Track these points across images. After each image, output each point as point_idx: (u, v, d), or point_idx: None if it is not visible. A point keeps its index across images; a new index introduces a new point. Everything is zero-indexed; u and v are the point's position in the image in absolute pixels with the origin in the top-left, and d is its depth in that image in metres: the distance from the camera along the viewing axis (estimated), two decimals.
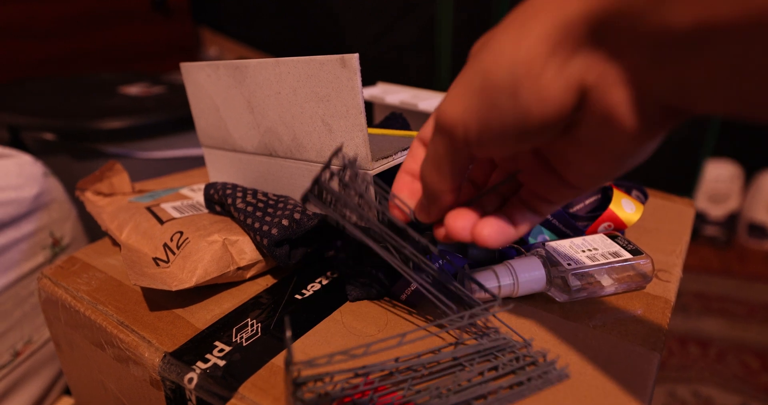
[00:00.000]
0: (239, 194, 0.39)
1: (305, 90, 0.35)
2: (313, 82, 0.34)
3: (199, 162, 0.90)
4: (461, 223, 0.26)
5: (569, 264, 0.34)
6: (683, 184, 1.58)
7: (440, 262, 0.33)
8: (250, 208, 0.37)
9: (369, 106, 0.58)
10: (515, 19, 0.20)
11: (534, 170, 0.26)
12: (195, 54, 1.84)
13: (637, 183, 0.48)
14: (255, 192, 0.40)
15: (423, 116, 0.56)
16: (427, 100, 0.54)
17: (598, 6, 0.17)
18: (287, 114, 0.37)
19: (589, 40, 0.18)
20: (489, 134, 0.21)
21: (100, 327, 0.35)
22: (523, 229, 0.27)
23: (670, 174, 1.50)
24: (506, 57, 0.19)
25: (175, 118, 0.89)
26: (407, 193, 0.29)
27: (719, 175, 1.60)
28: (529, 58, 0.19)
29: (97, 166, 0.52)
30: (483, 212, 0.27)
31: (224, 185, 0.41)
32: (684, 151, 1.52)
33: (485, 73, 0.20)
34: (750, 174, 1.62)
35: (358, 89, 0.32)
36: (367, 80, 0.33)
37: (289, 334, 0.23)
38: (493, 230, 0.26)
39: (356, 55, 0.31)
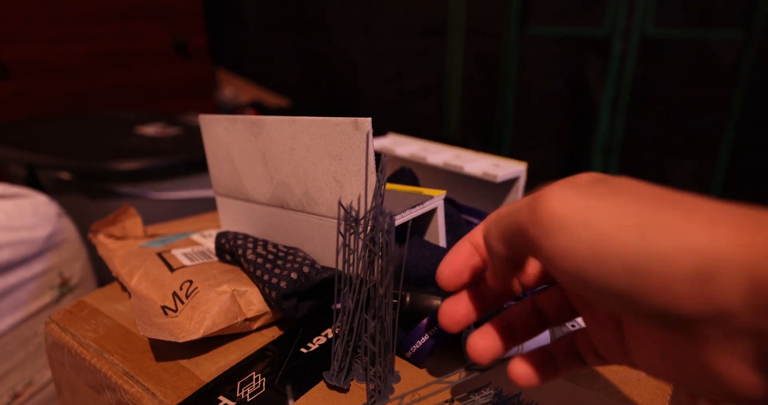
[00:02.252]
0: (250, 245, 0.40)
1: (318, 148, 0.36)
2: (326, 141, 0.36)
3: (209, 203, 0.91)
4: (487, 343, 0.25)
5: (573, 325, 0.34)
6: None
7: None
8: (260, 260, 0.38)
9: (378, 156, 0.59)
10: (665, 204, 0.17)
11: (605, 325, 0.23)
12: (211, 94, 1.90)
13: None
14: (265, 243, 0.41)
15: (432, 169, 0.57)
16: (436, 154, 0.55)
17: (760, 264, 0.15)
18: (300, 169, 0.38)
19: (738, 295, 0.15)
20: (573, 258, 0.18)
21: (105, 376, 0.35)
22: (562, 372, 0.25)
23: None
24: (649, 219, 0.17)
25: (189, 160, 0.91)
26: (461, 261, 0.27)
27: None
28: (672, 253, 0.16)
29: (109, 206, 0.53)
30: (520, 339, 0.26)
31: (235, 235, 0.42)
32: None
33: (617, 209, 0.18)
34: None
35: (369, 150, 0.33)
36: (379, 121, 0.34)
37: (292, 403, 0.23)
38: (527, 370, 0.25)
39: (369, 119, 0.32)
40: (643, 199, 0.18)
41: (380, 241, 0.27)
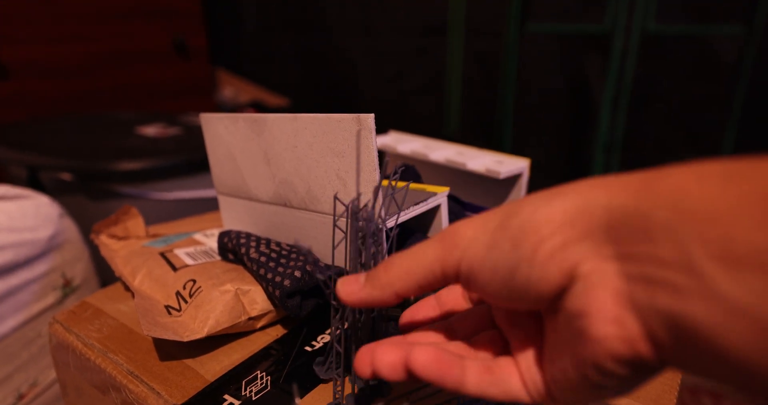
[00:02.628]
0: (253, 244, 0.40)
1: (321, 145, 0.36)
2: (329, 139, 0.35)
3: (211, 203, 0.91)
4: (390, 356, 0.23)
5: None
6: None
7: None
8: (263, 259, 0.38)
9: (380, 154, 0.59)
10: (543, 194, 0.20)
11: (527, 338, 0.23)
12: (211, 95, 1.90)
13: None
14: (268, 242, 0.41)
15: (434, 167, 0.57)
16: (438, 151, 0.55)
17: (619, 203, 0.17)
18: (303, 167, 0.38)
19: (600, 230, 0.18)
20: (481, 270, 0.21)
21: (110, 376, 0.35)
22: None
23: None
24: (525, 212, 0.20)
25: (190, 160, 0.91)
26: (423, 312, 0.28)
27: None
28: (541, 221, 0.19)
29: (111, 206, 0.53)
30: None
31: (238, 234, 0.42)
32: None
33: (504, 216, 0.21)
34: None
35: (372, 147, 0.33)
36: (379, 121, 0.34)
37: (298, 401, 0.23)
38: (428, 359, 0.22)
39: (372, 115, 0.32)
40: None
41: (370, 237, 0.27)
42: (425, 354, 0.21)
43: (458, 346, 0.25)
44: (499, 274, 0.20)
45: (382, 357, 0.22)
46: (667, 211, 0.16)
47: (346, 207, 0.26)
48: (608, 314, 0.17)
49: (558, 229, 0.19)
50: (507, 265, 0.20)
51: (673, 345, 0.16)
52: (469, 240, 0.21)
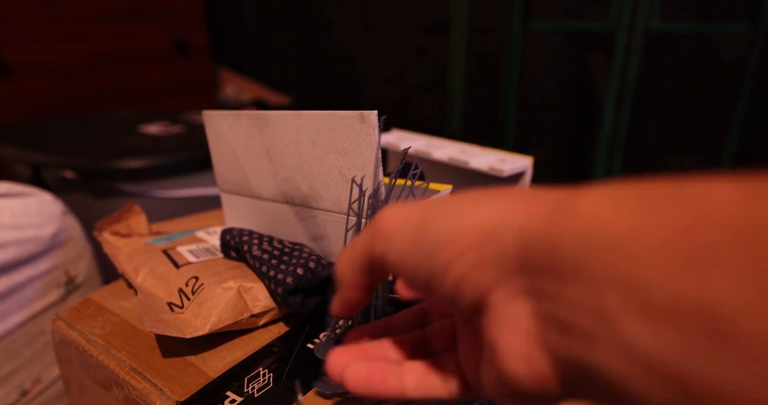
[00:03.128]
0: (255, 241, 0.40)
1: (324, 142, 0.36)
2: (331, 136, 0.35)
3: (213, 201, 0.91)
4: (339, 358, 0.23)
5: None
6: None
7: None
8: (265, 256, 0.38)
9: (383, 152, 0.59)
10: (468, 197, 0.19)
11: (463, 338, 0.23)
12: (213, 93, 1.90)
13: None
14: (271, 239, 0.41)
15: (436, 165, 0.57)
16: (441, 149, 0.55)
17: (532, 226, 0.16)
18: (305, 164, 0.38)
19: (511, 256, 0.16)
20: (402, 269, 0.20)
21: (113, 372, 0.35)
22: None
23: None
24: (444, 217, 0.19)
25: (192, 158, 0.91)
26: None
27: None
28: (456, 233, 0.18)
29: (113, 204, 0.53)
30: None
31: (240, 231, 0.42)
32: None
33: (425, 215, 0.20)
34: None
35: (375, 144, 0.33)
36: (381, 120, 0.34)
37: (300, 397, 0.23)
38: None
39: (375, 112, 0.32)
40: (453, 198, 0.20)
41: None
42: (355, 371, 0.22)
43: (415, 337, 0.25)
44: (417, 278, 0.19)
45: (335, 367, 0.23)
46: (577, 242, 0.14)
47: (361, 190, 0.26)
48: (517, 351, 0.16)
49: (471, 248, 0.17)
50: (423, 274, 0.19)
51: (583, 388, 0.16)
52: (392, 230, 0.20)
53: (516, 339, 0.16)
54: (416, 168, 0.27)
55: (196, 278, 0.39)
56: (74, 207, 0.74)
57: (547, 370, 0.16)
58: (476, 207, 0.18)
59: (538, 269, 0.15)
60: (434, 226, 0.19)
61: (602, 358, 0.14)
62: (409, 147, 0.27)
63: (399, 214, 0.21)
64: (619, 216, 0.14)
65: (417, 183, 0.43)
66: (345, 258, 0.23)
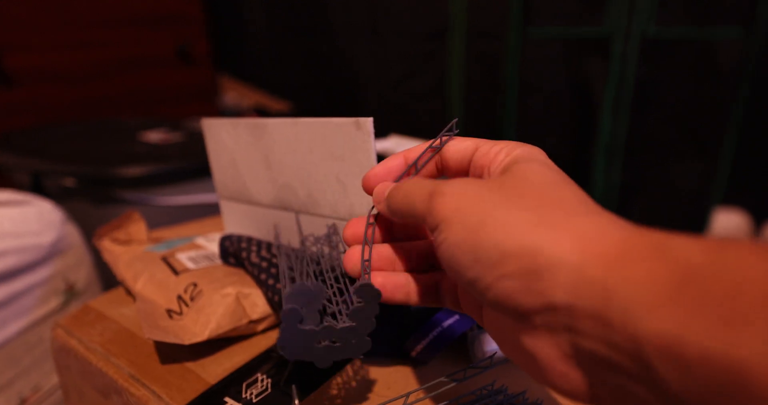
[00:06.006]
0: (254, 248, 0.40)
1: (321, 149, 0.36)
2: (328, 143, 0.36)
3: (213, 208, 0.92)
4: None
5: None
6: (690, 233, 1.57)
7: (449, 320, 0.33)
8: (264, 264, 0.38)
9: (380, 158, 0.59)
10: (530, 208, 0.19)
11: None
12: (214, 100, 1.91)
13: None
14: (269, 246, 0.41)
15: None
16: None
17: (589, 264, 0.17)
18: (303, 171, 0.39)
19: (563, 293, 0.17)
20: (449, 248, 0.21)
21: (112, 379, 0.35)
22: (412, 301, 0.27)
23: (676, 224, 1.49)
24: (497, 224, 0.19)
25: (192, 166, 0.91)
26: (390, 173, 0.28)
27: (727, 226, 1.59)
28: (507, 252, 0.18)
29: (113, 212, 0.53)
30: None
31: (239, 238, 0.42)
32: (691, 200, 1.51)
33: (486, 214, 0.20)
34: (759, 224, 1.60)
35: (371, 150, 0.33)
36: (382, 125, 0.34)
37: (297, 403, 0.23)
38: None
39: (370, 119, 0.32)
40: (517, 198, 0.20)
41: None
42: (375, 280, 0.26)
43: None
44: (460, 271, 0.20)
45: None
46: (628, 298, 0.16)
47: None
48: (556, 369, 0.19)
49: (520, 274, 0.18)
50: (466, 272, 0.20)
51: (615, 400, 0.18)
52: (453, 211, 0.21)
53: (554, 358, 0.18)
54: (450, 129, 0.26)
55: (195, 285, 0.39)
56: (74, 214, 0.74)
57: (584, 388, 0.18)
58: (533, 230, 0.18)
59: (585, 310, 0.17)
60: (488, 236, 0.19)
61: (637, 389, 0.16)
62: (456, 120, 0.28)
63: (463, 198, 0.21)
64: (661, 288, 0.15)
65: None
66: (402, 192, 0.24)
